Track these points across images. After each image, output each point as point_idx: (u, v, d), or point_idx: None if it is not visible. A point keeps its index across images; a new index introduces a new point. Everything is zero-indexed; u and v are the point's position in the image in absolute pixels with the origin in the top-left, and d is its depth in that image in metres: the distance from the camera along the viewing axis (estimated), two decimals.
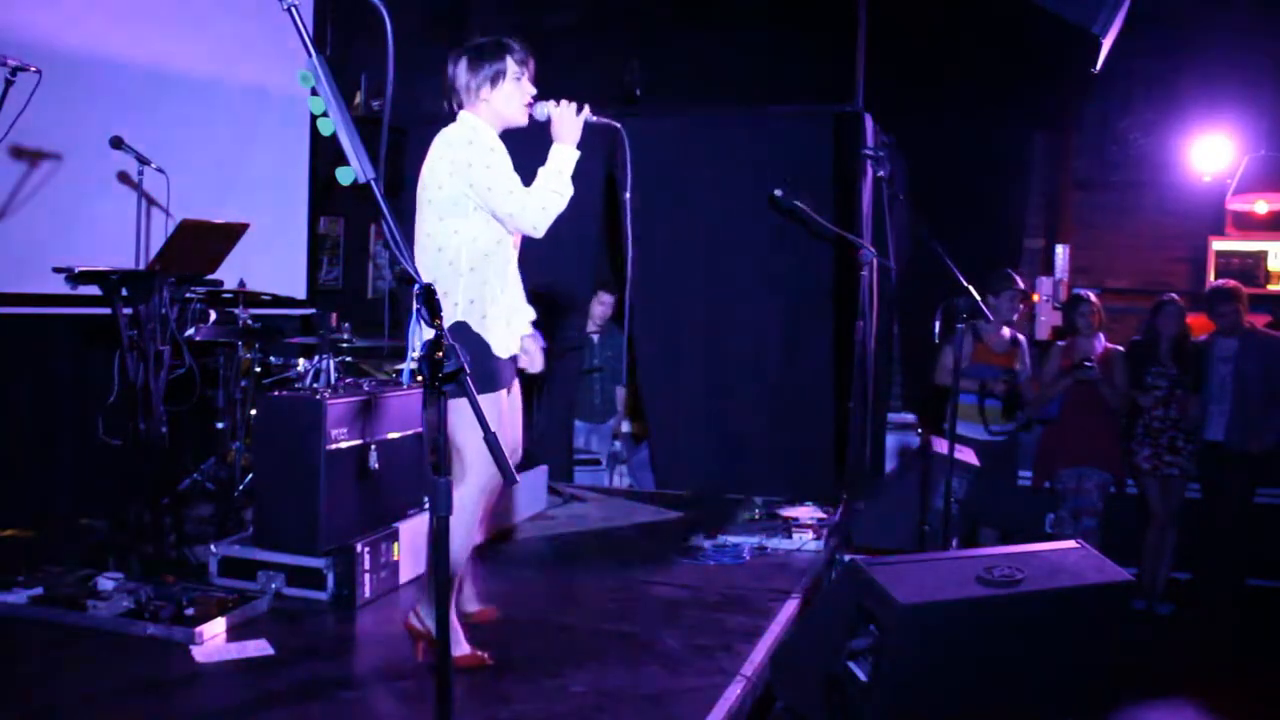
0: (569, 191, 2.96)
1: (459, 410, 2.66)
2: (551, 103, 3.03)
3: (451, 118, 3.07)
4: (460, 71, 3.04)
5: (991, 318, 4.83)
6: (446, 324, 2.95)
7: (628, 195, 3.24)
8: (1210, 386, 5.47)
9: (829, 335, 5.72)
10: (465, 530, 3.02)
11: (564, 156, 2.98)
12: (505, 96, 3.02)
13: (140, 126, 4.50)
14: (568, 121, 3.00)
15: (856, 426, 5.18)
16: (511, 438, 3.24)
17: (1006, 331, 5.54)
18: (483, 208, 2.94)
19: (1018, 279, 5.55)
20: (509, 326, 3.06)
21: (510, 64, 3.01)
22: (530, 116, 3.06)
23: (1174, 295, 5.60)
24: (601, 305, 6.26)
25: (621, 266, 5.91)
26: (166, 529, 4.03)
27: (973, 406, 5.32)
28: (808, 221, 5.31)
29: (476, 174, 2.90)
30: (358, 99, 6.32)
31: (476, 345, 2.93)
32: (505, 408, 3.10)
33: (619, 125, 3.12)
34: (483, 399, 2.89)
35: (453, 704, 1.88)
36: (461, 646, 3.03)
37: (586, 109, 3.05)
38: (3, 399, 4.53)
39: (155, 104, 4.94)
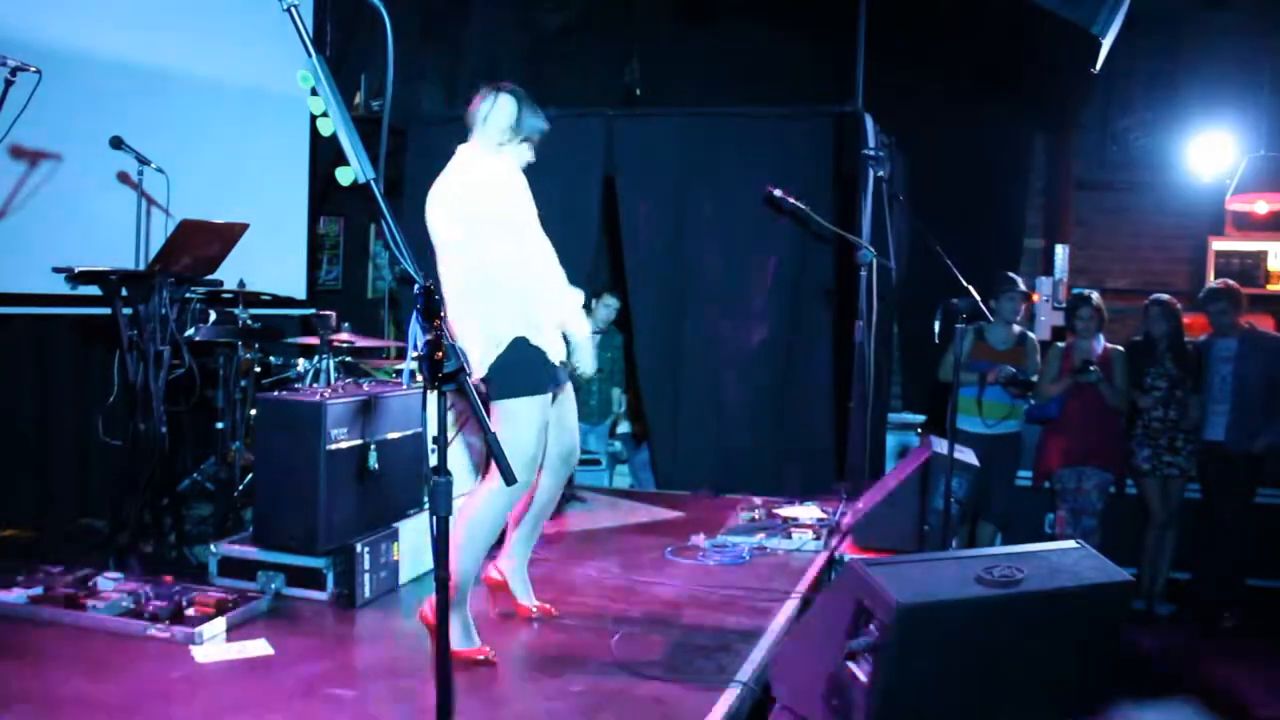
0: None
1: (496, 408, 3.06)
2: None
3: (464, 138, 3.25)
4: (492, 108, 3.21)
5: (992, 318, 4.85)
6: (505, 344, 3.03)
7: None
8: (1210, 387, 5.46)
9: (829, 335, 5.72)
10: (485, 526, 3.08)
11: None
12: (517, 154, 3.24)
13: (140, 126, 4.50)
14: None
15: (856, 426, 5.18)
16: (569, 441, 3.35)
17: (1015, 328, 5.56)
18: (498, 227, 3.10)
19: (1019, 280, 5.56)
20: (554, 331, 3.21)
21: (529, 149, 3.25)
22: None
23: (1160, 296, 5.58)
24: (606, 308, 6.25)
25: (623, 269, 5.94)
26: (166, 529, 4.04)
27: (971, 400, 5.36)
28: (807, 221, 5.31)
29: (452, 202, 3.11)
30: (358, 99, 6.32)
31: (532, 355, 3.10)
32: (552, 411, 3.23)
33: None
34: (528, 401, 3.06)
35: (453, 704, 1.88)
36: (471, 640, 3.06)
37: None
38: (3, 399, 4.53)
39: (155, 104, 4.93)
